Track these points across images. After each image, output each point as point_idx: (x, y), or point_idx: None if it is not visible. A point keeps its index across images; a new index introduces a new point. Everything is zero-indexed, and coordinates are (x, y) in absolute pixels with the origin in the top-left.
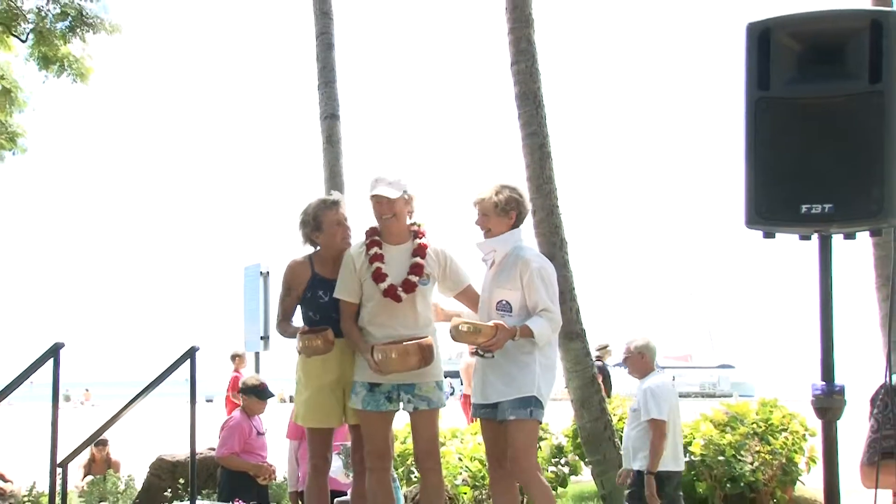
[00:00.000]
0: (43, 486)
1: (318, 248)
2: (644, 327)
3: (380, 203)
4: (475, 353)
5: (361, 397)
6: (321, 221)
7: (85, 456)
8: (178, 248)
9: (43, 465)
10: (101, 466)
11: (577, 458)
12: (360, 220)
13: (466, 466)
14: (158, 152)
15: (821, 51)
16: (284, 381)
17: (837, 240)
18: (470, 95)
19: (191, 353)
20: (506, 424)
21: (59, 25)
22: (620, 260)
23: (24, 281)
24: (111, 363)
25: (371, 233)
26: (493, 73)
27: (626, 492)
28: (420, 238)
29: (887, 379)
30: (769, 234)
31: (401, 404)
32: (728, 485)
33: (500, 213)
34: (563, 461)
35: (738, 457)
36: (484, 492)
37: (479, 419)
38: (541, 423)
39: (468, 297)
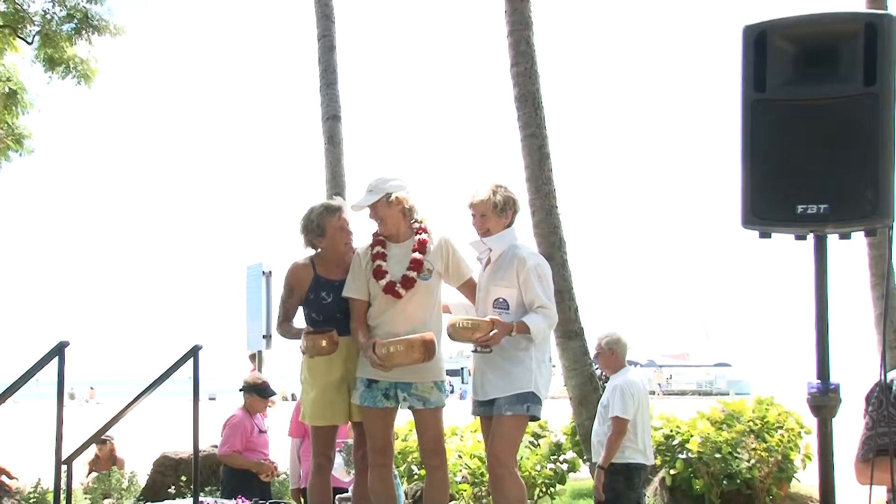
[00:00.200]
0: (48, 483)
1: (320, 250)
2: (643, 326)
3: (367, 213)
4: (473, 350)
5: (360, 393)
6: (325, 227)
7: (90, 453)
8: (182, 248)
9: (48, 462)
10: (105, 463)
11: (575, 455)
12: (360, 222)
13: (466, 464)
14: (162, 153)
15: (816, 53)
16: (286, 379)
17: (833, 240)
18: (470, 97)
19: (194, 352)
20: (499, 419)
21: (65, 28)
22: (619, 259)
23: (30, 280)
24: (115, 361)
25: (377, 233)
26: (493, 74)
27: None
28: (421, 234)
29: (882, 377)
30: (765, 234)
31: (399, 402)
32: (725, 482)
33: (498, 214)
34: (561, 458)
35: (735, 454)
36: (483, 489)
37: (478, 417)
38: (538, 419)
39: (470, 288)
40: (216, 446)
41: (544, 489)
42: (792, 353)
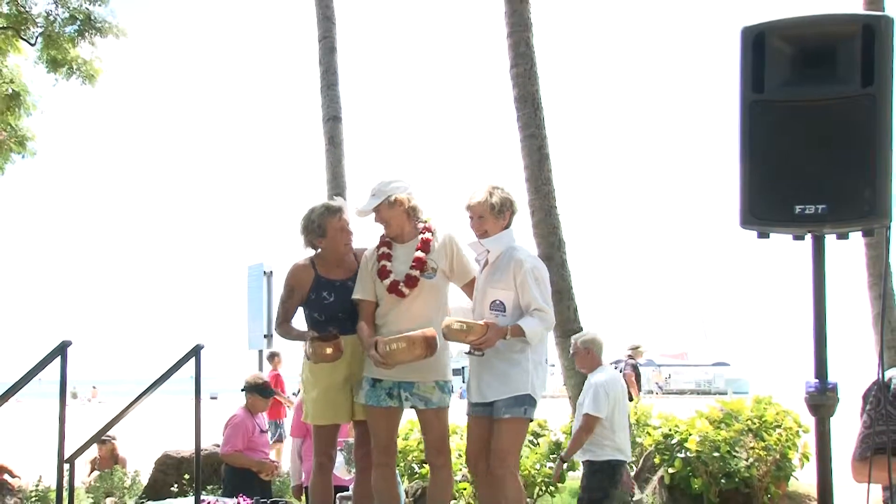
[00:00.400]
0: (50, 482)
1: (320, 250)
2: (642, 326)
3: (373, 217)
4: (468, 353)
5: (365, 392)
6: (325, 227)
7: (92, 452)
8: (184, 248)
9: (50, 460)
10: (107, 462)
11: None
12: (361, 223)
13: (465, 463)
14: (164, 154)
15: (814, 54)
16: (287, 378)
17: (830, 240)
18: (470, 98)
19: (196, 351)
20: (499, 422)
21: (68, 29)
22: (618, 259)
23: (32, 280)
24: (118, 361)
25: (384, 235)
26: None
27: (581, 484)
28: (425, 234)
29: (879, 376)
30: (763, 235)
31: (402, 402)
32: (723, 480)
33: (496, 215)
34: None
35: (733, 453)
36: None
37: (470, 416)
38: (532, 420)
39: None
40: (218, 445)
41: (544, 488)
42: (790, 353)
